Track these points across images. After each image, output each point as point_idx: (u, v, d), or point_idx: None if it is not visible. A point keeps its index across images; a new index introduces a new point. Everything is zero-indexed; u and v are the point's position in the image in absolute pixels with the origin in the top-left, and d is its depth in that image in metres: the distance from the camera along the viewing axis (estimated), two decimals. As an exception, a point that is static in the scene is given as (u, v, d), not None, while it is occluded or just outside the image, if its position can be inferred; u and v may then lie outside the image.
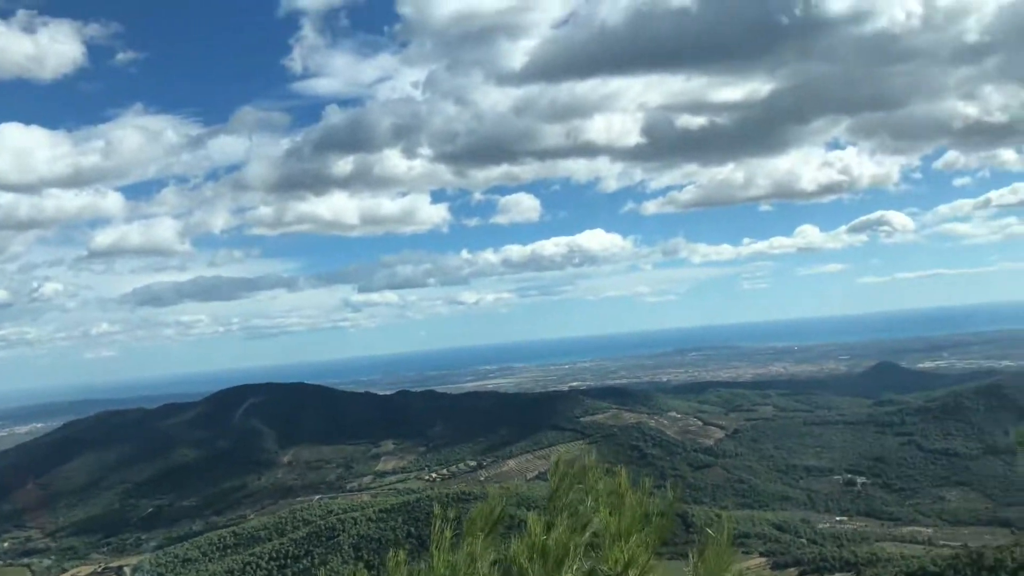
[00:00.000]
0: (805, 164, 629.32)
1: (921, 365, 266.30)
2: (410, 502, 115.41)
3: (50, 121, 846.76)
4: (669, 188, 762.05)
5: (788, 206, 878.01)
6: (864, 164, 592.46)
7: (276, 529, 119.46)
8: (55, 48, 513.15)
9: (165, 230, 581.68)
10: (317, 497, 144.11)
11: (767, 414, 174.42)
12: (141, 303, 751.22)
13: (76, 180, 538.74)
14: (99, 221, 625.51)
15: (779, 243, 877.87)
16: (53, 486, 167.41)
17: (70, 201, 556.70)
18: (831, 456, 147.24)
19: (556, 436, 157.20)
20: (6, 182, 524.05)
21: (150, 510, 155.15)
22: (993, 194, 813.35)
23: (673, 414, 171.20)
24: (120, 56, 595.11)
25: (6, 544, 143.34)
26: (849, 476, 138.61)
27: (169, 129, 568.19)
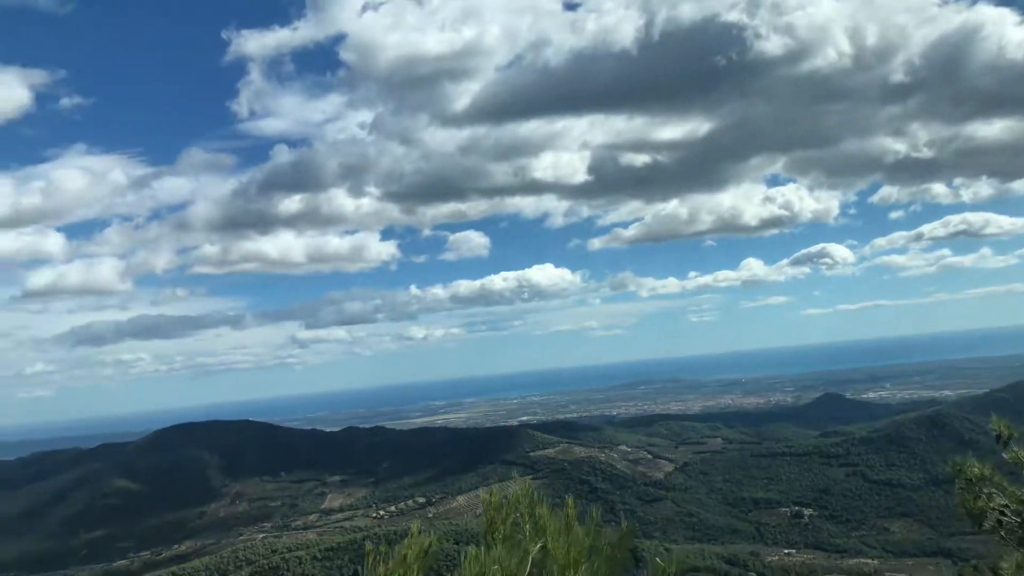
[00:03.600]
0: (746, 200, 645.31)
1: (865, 395, 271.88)
2: (356, 540, 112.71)
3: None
4: (615, 224, 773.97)
5: (732, 240, 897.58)
6: (804, 199, 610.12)
7: (218, 569, 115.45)
8: (0, 93, 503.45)
9: (107, 269, 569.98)
10: (261, 536, 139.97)
11: (716, 446, 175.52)
12: (79, 342, 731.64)
13: (15, 220, 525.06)
14: (38, 261, 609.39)
15: (724, 276, 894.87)
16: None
17: (8, 242, 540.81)
18: (779, 488, 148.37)
19: (506, 471, 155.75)
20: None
21: (85, 551, 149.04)
22: (926, 227, 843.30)
23: (623, 447, 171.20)
24: (65, 101, 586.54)
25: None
26: (797, 508, 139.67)
27: (115, 169, 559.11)
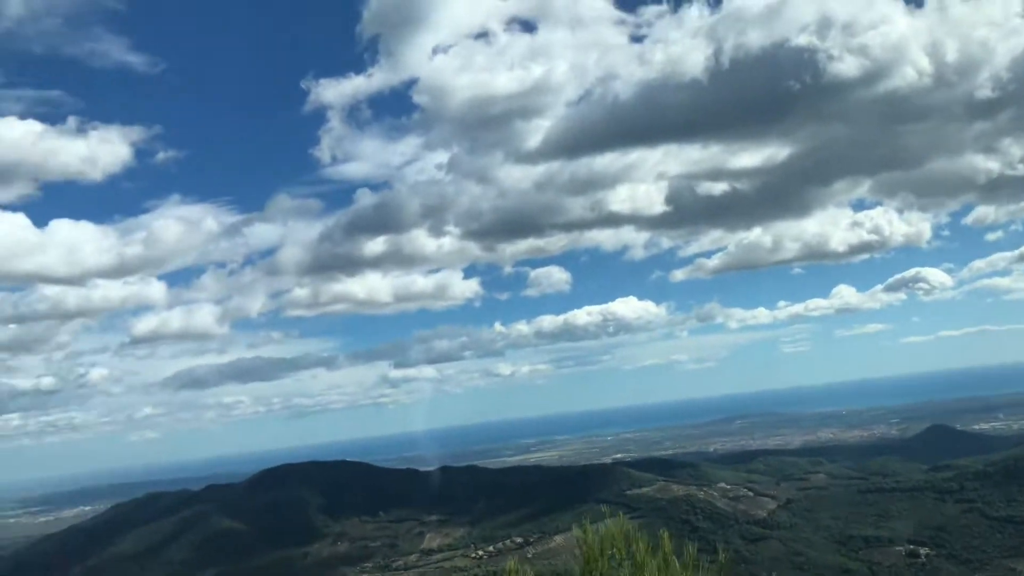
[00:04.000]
0: (833, 225, 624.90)
1: (976, 426, 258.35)
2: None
3: (97, 216, 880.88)
4: (697, 255, 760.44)
5: (820, 267, 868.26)
6: (894, 223, 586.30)
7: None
8: (103, 149, 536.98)
9: (205, 315, 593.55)
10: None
11: (820, 482, 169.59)
12: (183, 386, 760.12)
13: (120, 270, 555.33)
14: (142, 308, 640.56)
15: (816, 305, 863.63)
16: (101, 568, 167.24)
17: (115, 291, 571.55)
18: (890, 526, 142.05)
19: (602, 510, 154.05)
20: (55, 275, 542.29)
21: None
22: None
23: (722, 485, 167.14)
24: (160, 155, 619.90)
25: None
26: (912, 547, 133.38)
27: (208, 217, 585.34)
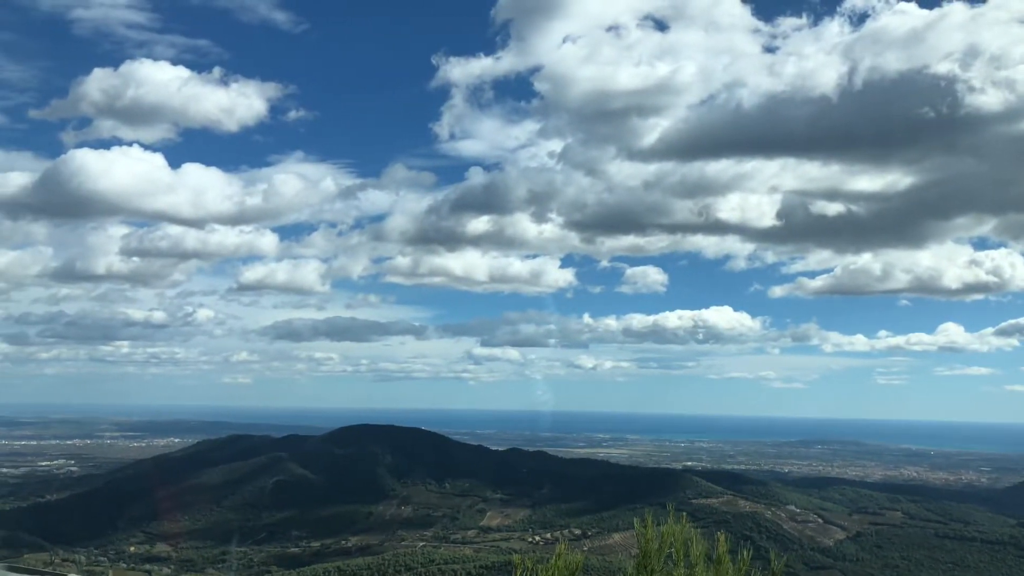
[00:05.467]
0: (948, 260, 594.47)
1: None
2: (511, 563, 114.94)
3: (225, 164, 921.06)
4: (801, 273, 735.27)
5: (929, 302, 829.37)
6: (1017, 267, 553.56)
7: (379, 570, 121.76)
8: (241, 102, 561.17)
9: (310, 270, 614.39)
10: (421, 544, 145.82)
11: (895, 520, 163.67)
12: (279, 336, 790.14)
13: (238, 218, 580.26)
14: (252, 257, 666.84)
15: (918, 339, 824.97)
16: (181, 496, 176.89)
17: (231, 237, 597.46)
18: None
19: (665, 515, 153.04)
20: (180, 216, 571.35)
21: (264, 533, 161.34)
22: None
23: (792, 507, 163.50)
24: (292, 113, 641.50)
25: (132, 548, 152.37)
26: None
27: (327, 178, 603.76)
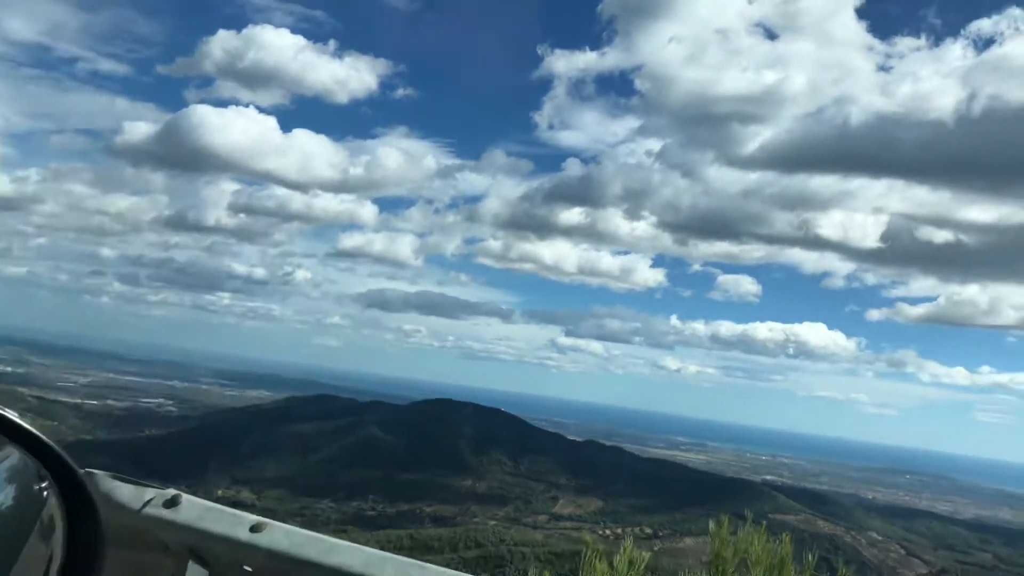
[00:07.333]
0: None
1: None
2: (579, 553, 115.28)
3: (333, 132, 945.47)
4: (901, 298, 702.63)
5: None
6: None
7: (449, 543, 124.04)
8: (352, 75, 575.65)
9: (405, 244, 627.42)
10: (492, 523, 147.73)
11: (985, 561, 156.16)
12: (371, 305, 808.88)
13: (341, 186, 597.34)
14: (352, 225, 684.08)
15: (1023, 380, 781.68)
16: (268, 449, 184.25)
17: (333, 204, 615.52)
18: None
19: (742, 524, 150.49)
20: (287, 179, 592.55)
21: (343, 492, 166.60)
22: None
23: (873, 534, 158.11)
24: (400, 91, 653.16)
25: (220, 492, 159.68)
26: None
27: (428, 156, 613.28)
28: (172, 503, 3.68)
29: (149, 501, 3.72)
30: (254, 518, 3.56)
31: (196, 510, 3.67)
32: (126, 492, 3.77)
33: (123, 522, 3.63)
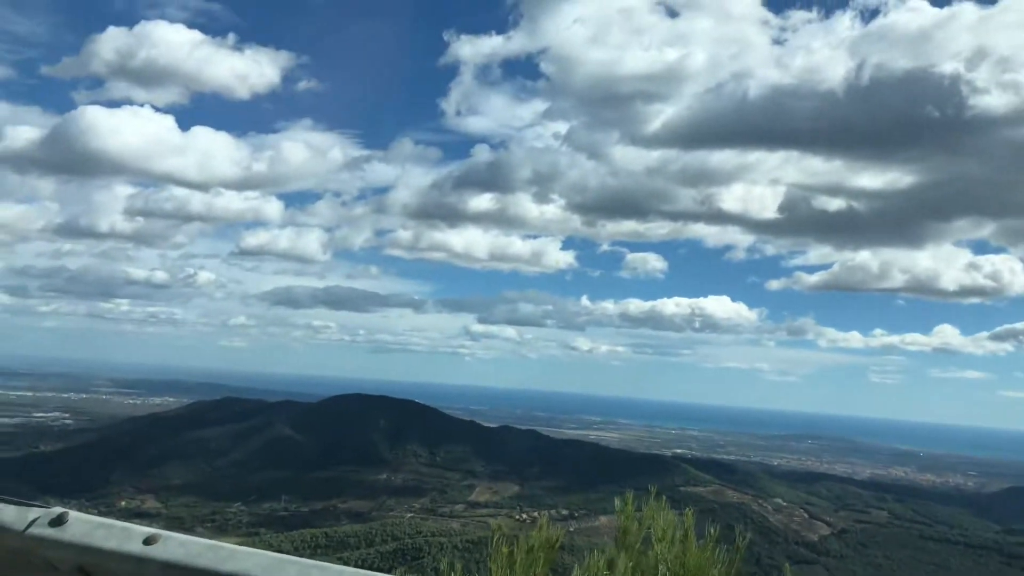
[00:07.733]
0: (946, 263, 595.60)
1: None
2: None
3: (233, 129, 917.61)
4: (799, 268, 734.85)
5: (925, 303, 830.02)
6: (1017, 273, 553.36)
7: (365, 538, 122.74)
8: (253, 69, 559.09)
9: (312, 239, 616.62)
10: (409, 515, 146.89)
11: (880, 519, 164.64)
12: (278, 303, 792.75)
13: (244, 183, 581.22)
14: (256, 223, 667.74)
15: (913, 340, 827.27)
16: (173, 456, 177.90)
17: (235, 202, 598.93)
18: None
19: (647, 503, 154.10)
20: (186, 178, 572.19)
21: (255, 494, 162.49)
22: None
23: (778, 500, 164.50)
24: (302, 83, 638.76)
25: (123, 503, 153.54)
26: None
27: (335, 148, 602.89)
28: (59, 521, 3.64)
29: (34, 521, 3.68)
30: (147, 530, 3.55)
31: (85, 527, 3.63)
32: (8, 513, 3.73)
33: (7, 544, 3.61)
